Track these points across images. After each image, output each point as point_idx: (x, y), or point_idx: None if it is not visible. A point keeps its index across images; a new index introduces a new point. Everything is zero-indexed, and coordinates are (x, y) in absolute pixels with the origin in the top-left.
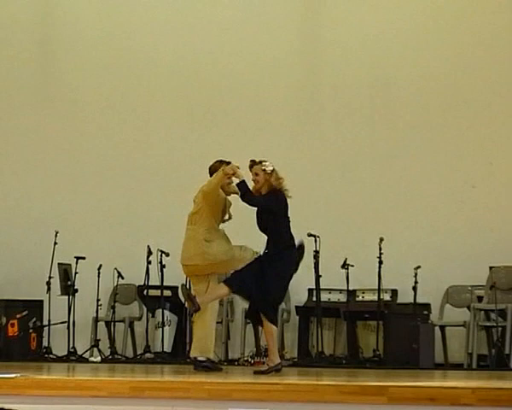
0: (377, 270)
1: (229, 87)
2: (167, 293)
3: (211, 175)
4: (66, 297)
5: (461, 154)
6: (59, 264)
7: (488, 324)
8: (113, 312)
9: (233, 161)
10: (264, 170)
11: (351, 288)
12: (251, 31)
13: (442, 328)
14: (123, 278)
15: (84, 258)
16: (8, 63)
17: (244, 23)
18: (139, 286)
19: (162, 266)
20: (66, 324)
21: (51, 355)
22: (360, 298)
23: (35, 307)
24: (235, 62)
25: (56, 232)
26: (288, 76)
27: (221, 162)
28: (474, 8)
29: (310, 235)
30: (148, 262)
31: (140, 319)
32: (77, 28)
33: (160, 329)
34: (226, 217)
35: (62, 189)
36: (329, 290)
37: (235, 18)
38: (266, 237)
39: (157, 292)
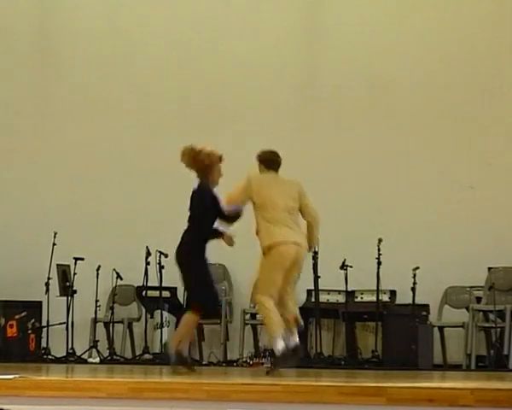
0: (376, 271)
1: (229, 86)
2: (166, 294)
3: (263, 162)
4: (65, 298)
5: (459, 154)
6: (58, 265)
7: (487, 325)
8: (112, 313)
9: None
10: None
11: (349, 289)
12: (250, 29)
13: (441, 329)
14: (122, 278)
15: (82, 259)
16: (6, 62)
17: (243, 22)
18: (138, 287)
19: (161, 267)
20: (64, 325)
21: (50, 356)
22: (359, 299)
23: (34, 307)
24: (235, 61)
25: (55, 233)
26: (286, 75)
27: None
28: (475, 8)
29: None
30: (147, 263)
31: (139, 319)
32: (76, 26)
33: (159, 330)
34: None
35: (61, 189)
36: (328, 291)
37: (235, 16)
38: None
39: (156, 293)
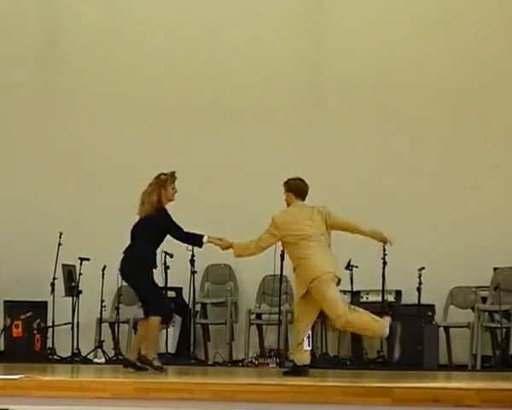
0: (381, 271)
1: (233, 86)
2: (171, 294)
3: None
4: (71, 298)
5: (465, 155)
6: (63, 265)
7: (492, 325)
8: (118, 313)
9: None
10: None
11: (355, 289)
12: (254, 28)
13: (446, 329)
14: None
15: (88, 259)
16: (9, 62)
17: (248, 20)
18: None
19: (166, 268)
20: (70, 325)
21: (55, 356)
22: (364, 299)
23: (39, 308)
24: (239, 60)
25: (60, 233)
26: (291, 75)
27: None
28: (479, 6)
29: None
30: None
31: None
32: (80, 26)
33: (164, 330)
34: None
35: (66, 190)
36: None
37: (239, 13)
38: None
39: None
